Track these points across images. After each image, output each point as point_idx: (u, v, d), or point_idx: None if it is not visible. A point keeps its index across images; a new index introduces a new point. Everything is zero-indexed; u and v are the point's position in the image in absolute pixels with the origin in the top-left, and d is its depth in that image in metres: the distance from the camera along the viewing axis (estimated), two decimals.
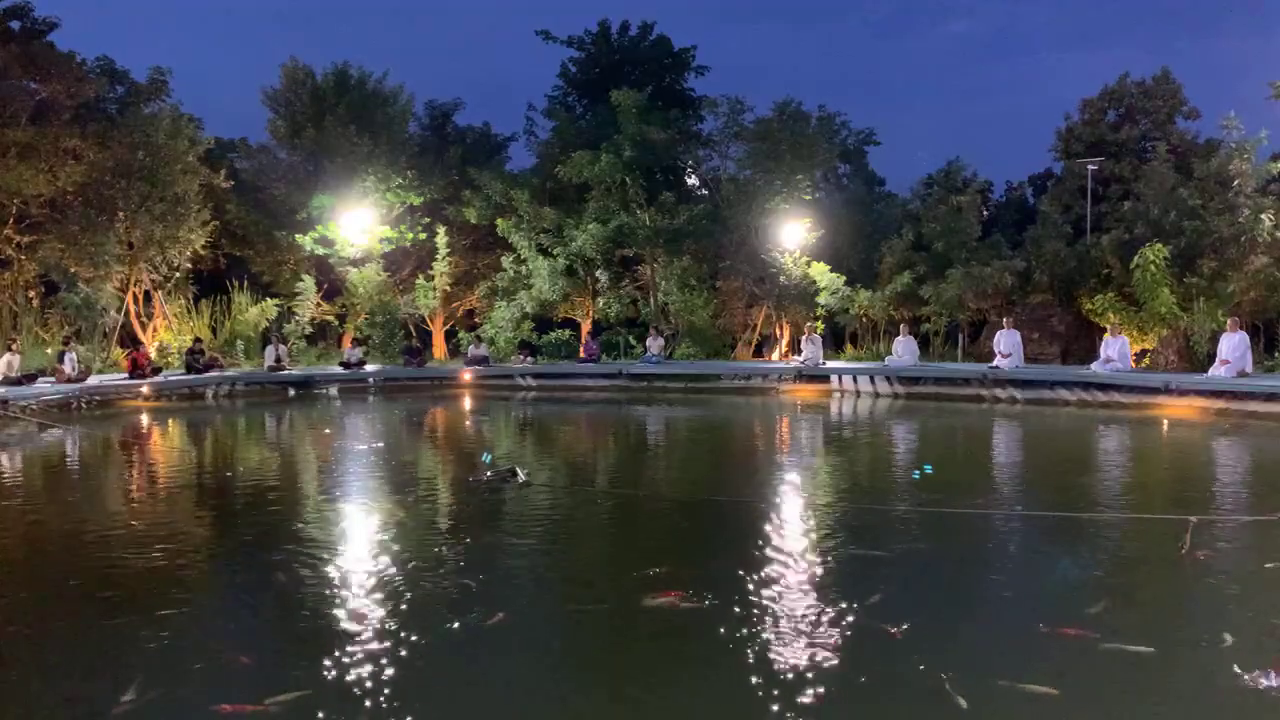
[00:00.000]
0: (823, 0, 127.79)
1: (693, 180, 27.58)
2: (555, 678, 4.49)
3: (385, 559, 6.30)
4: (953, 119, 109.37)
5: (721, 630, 4.78)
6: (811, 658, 4.42)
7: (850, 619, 4.95)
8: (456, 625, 4.93)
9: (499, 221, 25.17)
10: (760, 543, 6.56)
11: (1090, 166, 24.66)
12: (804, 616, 5.00)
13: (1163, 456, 12.03)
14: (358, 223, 23.99)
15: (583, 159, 23.79)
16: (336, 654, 4.47)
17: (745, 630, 4.78)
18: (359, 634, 4.76)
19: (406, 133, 26.95)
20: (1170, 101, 26.14)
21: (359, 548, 6.75)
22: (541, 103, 27.97)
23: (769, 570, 5.88)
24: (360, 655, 4.46)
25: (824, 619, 4.95)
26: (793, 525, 7.38)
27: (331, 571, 5.94)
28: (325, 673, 4.26)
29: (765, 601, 5.25)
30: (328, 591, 5.52)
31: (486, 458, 10.31)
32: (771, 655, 4.46)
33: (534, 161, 27.05)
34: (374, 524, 7.64)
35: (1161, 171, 21.18)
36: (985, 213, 25.39)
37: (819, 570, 6.05)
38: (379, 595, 5.43)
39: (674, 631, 4.90)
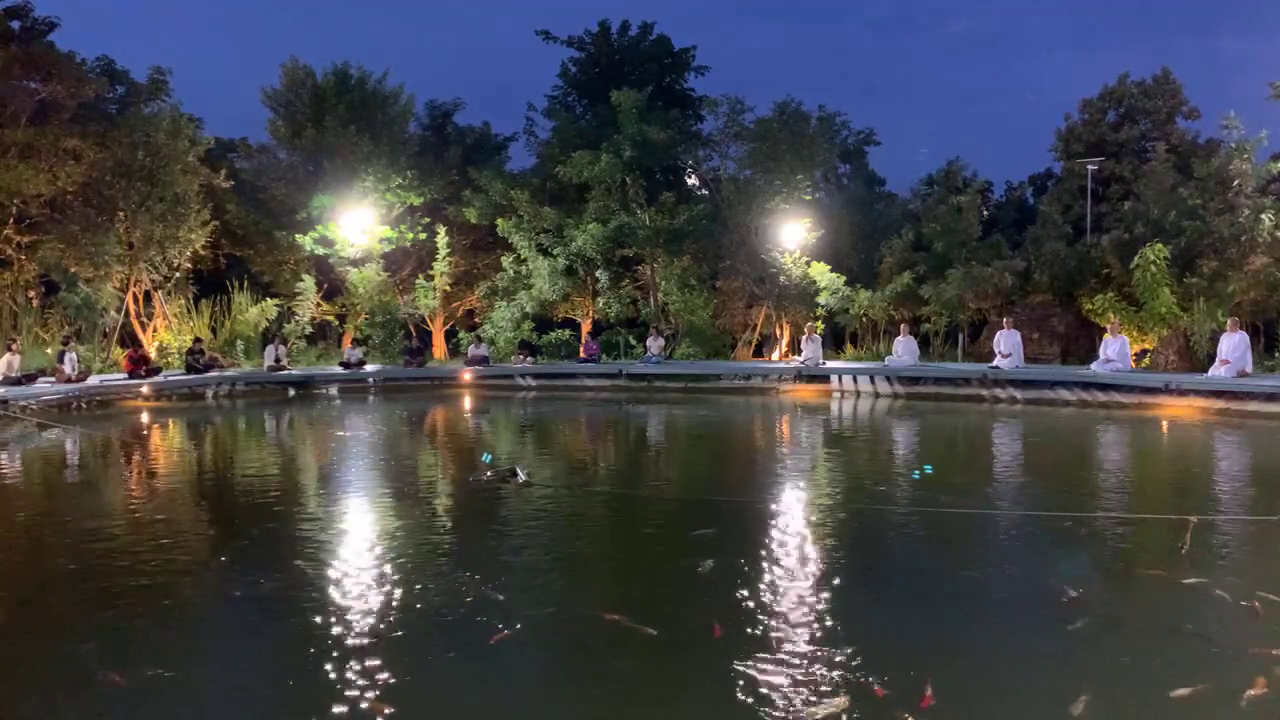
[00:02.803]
0: (823, 0, 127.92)
1: (693, 180, 27.59)
2: (551, 685, 4.49)
3: (383, 560, 6.30)
4: (953, 119, 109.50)
5: (731, 647, 4.75)
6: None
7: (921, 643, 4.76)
8: (452, 627, 4.92)
9: (499, 221, 25.16)
10: (770, 546, 6.56)
11: (1090, 166, 24.66)
12: (844, 646, 4.97)
13: (1164, 457, 12.03)
14: (358, 223, 23.99)
15: (583, 159, 23.79)
16: (329, 655, 4.47)
17: (764, 651, 4.70)
18: (354, 637, 4.75)
19: (406, 133, 26.95)
20: (1170, 101, 26.14)
21: (357, 549, 6.73)
22: (541, 103, 27.99)
23: (784, 582, 5.87)
24: (355, 658, 4.45)
25: (877, 642, 4.81)
26: (801, 529, 7.37)
27: (328, 572, 5.93)
28: (318, 673, 4.26)
29: (797, 621, 5.21)
30: (323, 592, 5.50)
31: (487, 458, 10.32)
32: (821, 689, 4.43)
33: (534, 161, 27.10)
34: (373, 524, 7.64)
35: (1161, 171, 21.18)
36: (985, 213, 25.38)
37: (842, 581, 6.03)
38: (374, 597, 5.42)
39: (679, 639, 4.89)
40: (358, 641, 4.64)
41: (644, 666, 4.47)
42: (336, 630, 4.80)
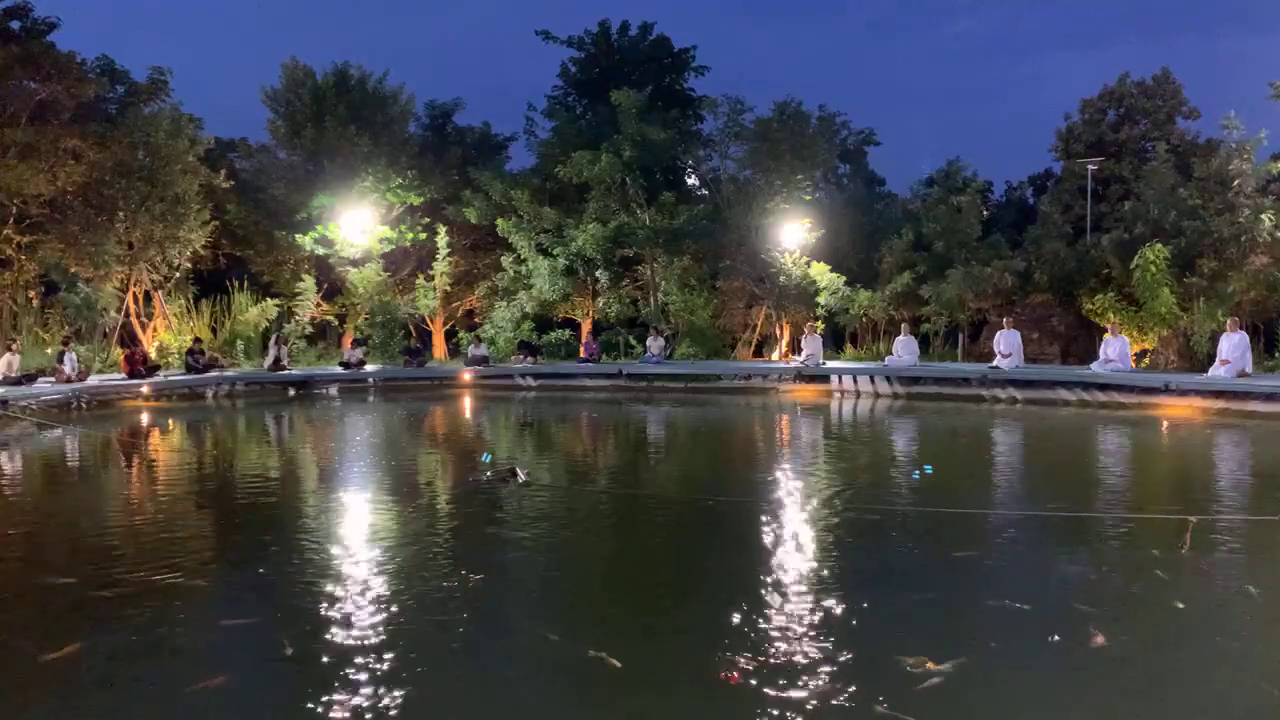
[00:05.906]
0: (823, 0, 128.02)
1: (693, 180, 27.60)
2: (548, 690, 4.48)
3: (381, 560, 6.29)
4: (953, 119, 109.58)
5: (735, 658, 4.76)
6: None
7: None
8: (449, 630, 4.92)
9: (499, 221, 25.16)
10: (770, 548, 6.55)
11: (1090, 166, 24.68)
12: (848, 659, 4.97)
13: (1164, 457, 12.02)
14: (357, 223, 23.99)
15: (583, 159, 23.78)
16: (326, 659, 4.47)
17: (772, 661, 4.72)
18: (350, 639, 4.74)
19: (406, 133, 26.96)
20: (1170, 101, 26.18)
21: (355, 549, 6.72)
22: (541, 103, 28.01)
23: (785, 585, 5.86)
24: (350, 660, 4.45)
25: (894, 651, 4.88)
26: (801, 531, 7.36)
27: (326, 573, 5.93)
28: (315, 676, 4.26)
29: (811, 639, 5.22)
30: (320, 593, 5.50)
31: (486, 458, 10.32)
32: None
33: (534, 161, 27.08)
34: (372, 525, 7.63)
35: (1161, 171, 21.18)
36: (985, 213, 25.39)
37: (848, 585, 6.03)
38: (372, 598, 5.41)
39: (679, 645, 4.89)
40: (353, 645, 4.63)
41: (643, 667, 4.46)
42: (330, 632, 4.80)
